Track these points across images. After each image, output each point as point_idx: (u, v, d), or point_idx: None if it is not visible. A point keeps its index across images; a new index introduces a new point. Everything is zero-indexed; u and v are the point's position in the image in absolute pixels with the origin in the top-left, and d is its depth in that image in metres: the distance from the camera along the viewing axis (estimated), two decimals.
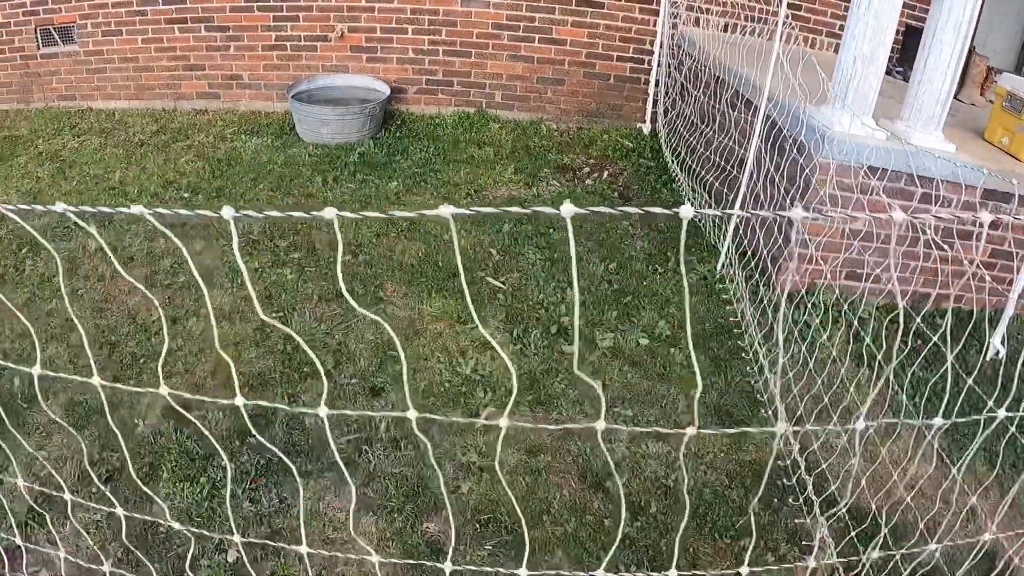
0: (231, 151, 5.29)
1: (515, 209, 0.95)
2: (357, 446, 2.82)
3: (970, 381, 1.62)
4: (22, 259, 4.10)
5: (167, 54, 5.75)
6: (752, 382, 3.16)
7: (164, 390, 1.16)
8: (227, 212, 0.92)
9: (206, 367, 3.27)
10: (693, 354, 1.06)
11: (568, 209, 0.83)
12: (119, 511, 1.50)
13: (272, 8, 5.54)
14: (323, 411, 0.97)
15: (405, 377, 1.05)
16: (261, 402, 1.21)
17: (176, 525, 1.42)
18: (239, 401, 1.11)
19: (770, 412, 2.95)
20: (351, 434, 2.88)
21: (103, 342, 3.45)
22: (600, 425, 1.03)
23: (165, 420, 3.04)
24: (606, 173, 5.14)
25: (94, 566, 2.52)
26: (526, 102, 5.82)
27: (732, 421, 2.95)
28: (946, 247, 3.22)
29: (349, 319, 3.53)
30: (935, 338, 1.88)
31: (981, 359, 2.99)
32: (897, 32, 5.04)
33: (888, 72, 4.90)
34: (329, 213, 0.89)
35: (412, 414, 0.98)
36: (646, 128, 5.65)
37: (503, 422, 0.99)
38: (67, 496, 1.49)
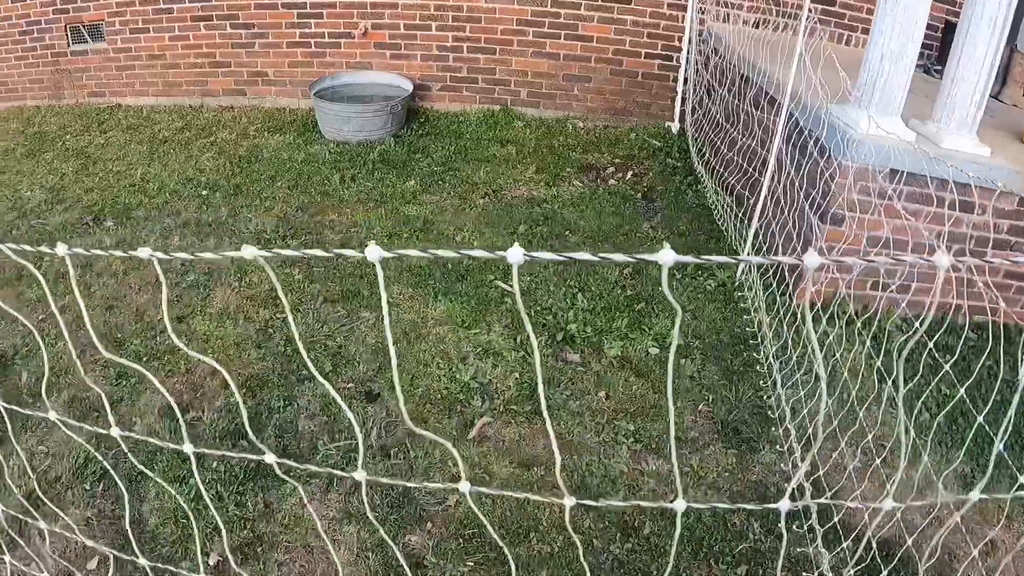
0: (253, 148, 5.29)
1: (317, 252, 0.84)
2: (347, 452, 2.75)
3: (981, 419, 1.46)
4: (40, 254, 4.13)
5: (194, 51, 5.78)
6: (764, 397, 3.00)
7: (52, 415, 1.09)
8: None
9: (206, 367, 3.24)
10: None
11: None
12: (42, 524, 1.44)
13: (296, 5, 5.52)
14: (188, 448, 0.89)
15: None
16: (130, 435, 1.13)
17: (88, 543, 1.35)
18: (115, 431, 1.03)
19: (781, 431, 2.79)
20: (343, 440, 2.82)
21: (110, 339, 3.45)
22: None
23: (161, 420, 3.02)
24: (630, 173, 4.99)
25: (79, 562, 2.52)
26: (552, 99, 5.71)
27: (740, 439, 2.80)
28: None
29: (353, 321, 3.47)
30: (946, 364, 1.71)
31: (1000, 376, 2.79)
32: (936, 29, 4.79)
33: (927, 71, 4.66)
34: (146, 254, 0.79)
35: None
36: (675, 127, 5.48)
37: (359, 475, 0.88)
38: None
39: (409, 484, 1.19)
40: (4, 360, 3.35)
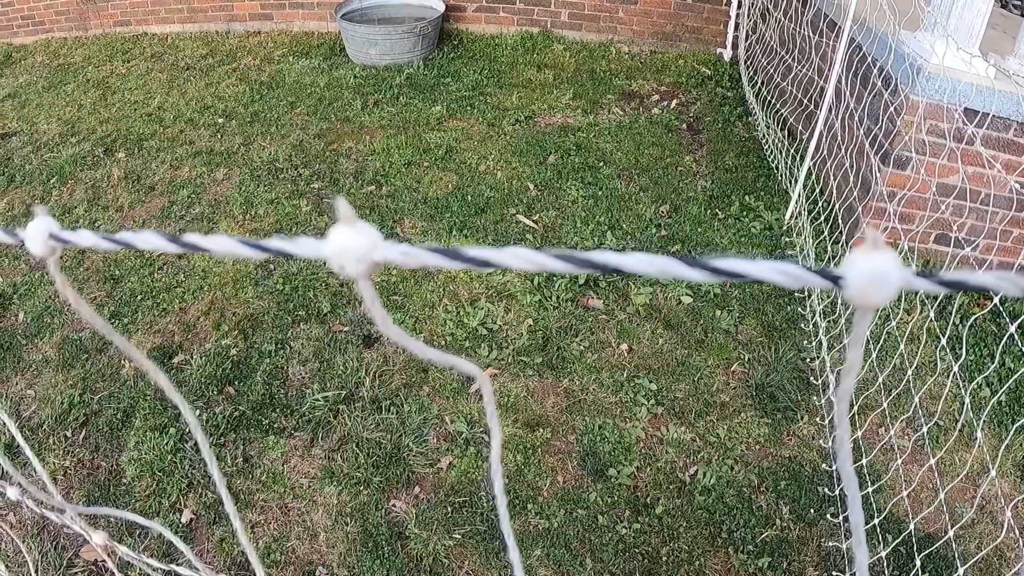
0: (275, 74, 5.01)
1: None
2: (335, 404, 2.52)
3: None
4: (49, 189, 3.97)
5: None
6: (808, 360, 2.64)
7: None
8: None
9: (200, 306, 3.04)
10: None
11: None
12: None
13: None
14: None
15: None
16: None
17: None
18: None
19: (823, 401, 2.44)
20: (332, 390, 2.58)
21: (107, 277, 3.27)
22: None
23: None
24: (676, 102, 4.55)
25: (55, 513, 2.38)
26: (595, 22, 5.23)
27: (776, 407, 2.46)
28: None
29: None
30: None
31: None
32: None
33: (1003, 5, 4.05)
34: None
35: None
36: (727, 54, 4.97)
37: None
38: None
39: None
40: (4, 299, 3.21)
